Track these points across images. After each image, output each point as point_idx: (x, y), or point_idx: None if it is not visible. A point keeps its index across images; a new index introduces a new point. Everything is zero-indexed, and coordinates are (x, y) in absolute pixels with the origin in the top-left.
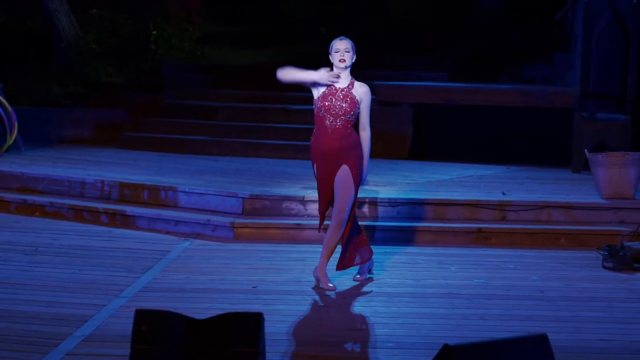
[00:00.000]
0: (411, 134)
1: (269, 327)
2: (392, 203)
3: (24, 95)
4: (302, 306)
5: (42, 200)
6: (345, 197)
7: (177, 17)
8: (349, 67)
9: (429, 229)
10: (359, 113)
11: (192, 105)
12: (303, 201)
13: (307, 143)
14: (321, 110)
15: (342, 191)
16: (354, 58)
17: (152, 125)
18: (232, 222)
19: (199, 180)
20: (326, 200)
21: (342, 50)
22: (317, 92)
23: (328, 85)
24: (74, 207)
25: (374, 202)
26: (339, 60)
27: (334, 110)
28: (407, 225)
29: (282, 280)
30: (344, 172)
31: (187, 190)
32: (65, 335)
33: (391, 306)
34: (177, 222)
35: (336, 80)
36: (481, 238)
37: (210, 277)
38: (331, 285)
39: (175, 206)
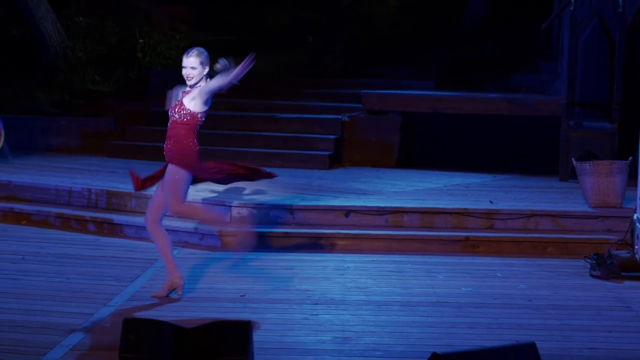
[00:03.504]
0: (398, 142)
1: (257, 336)
2: (380, 211)
3: (9, 104)
4: (290, 315)
5: (29, 209)
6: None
7: (163, 25)
8: (197, 83)
9: (416, 237)
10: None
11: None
12: (291, 210)
13: (296, 151)
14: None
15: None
16: (207, 70)
17: (139, 134)
18: (219, 231)
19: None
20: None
21: (187, 67)
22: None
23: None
24: (61, 215)
25: (361, 211)
26: (186, 78)
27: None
28: (395, 234)
29: (270, 288)
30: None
31: None
32: (53, 344)
33: (379, 315)
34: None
35: None
36: (469, 246)
37: (198, 285)
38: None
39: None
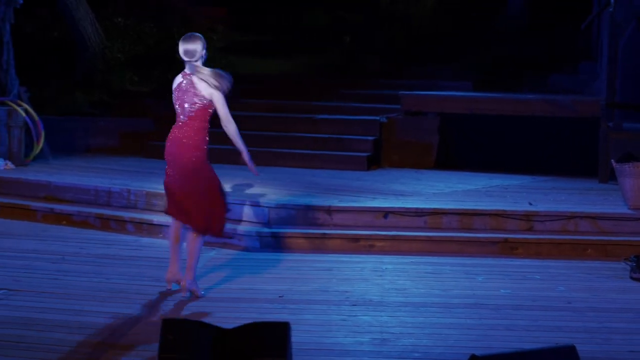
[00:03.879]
0: (437, 143)
1: (296, 337)
2: (418, 213)
3: (49, 104)
4: (328, 316)
5: (69, 209)
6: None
7: (201, 26)
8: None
9: (455, 238)
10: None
11: (218, 115)
12: (329, 211)
13: (334, 153)
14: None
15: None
16: (204, 53)
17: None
18: (258, 232)
19: (225, 190)
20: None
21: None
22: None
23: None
24: (101, 216)
25: (400, 212)
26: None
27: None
28: (433, 235)
29: (309, 289)
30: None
31: None
32: (93, 344)
33: (418, 316)
34: None
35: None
36: (507, 248)
37: (236, 286)
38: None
39: None
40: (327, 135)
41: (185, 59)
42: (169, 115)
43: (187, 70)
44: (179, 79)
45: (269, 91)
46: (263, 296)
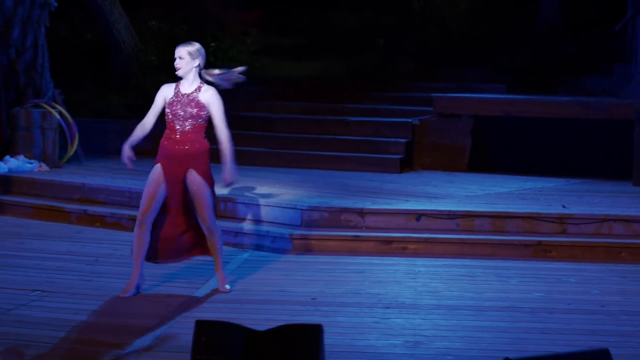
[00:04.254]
0: (470, 145)
1: (328, 339)
2: (451, 215)
3: (83, 107)
4: (361, 318)
5: (103, 211)
6: (203, 204)
7: (235, 29)
8: (186, 73)
9: (488, 241)
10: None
11: (250, 117)
12: (361, 213)
13: (367, 155)
14: (169, 116)
15: (199, 199)
16: (197, 63)
17: (209, 137)
18: (290, 234)
19: (258, 192)
20: (152, 201)
21: (176, 57)
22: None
23: (175, 93)
24: (134, 217)
25: (432, 214)
26: (175, 68)
27: (180, 115)
28: (466, 238)
29: (341, 292)
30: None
31: (246, 201)
32: (125, 346)
33: (451, 319)
34: (237, 233)
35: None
36: (541, 251)
37: (269, 288)
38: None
39: (234, 217)
40: (359, 138)
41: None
42: None
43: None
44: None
45: (302, 94)
46: (295, 298)
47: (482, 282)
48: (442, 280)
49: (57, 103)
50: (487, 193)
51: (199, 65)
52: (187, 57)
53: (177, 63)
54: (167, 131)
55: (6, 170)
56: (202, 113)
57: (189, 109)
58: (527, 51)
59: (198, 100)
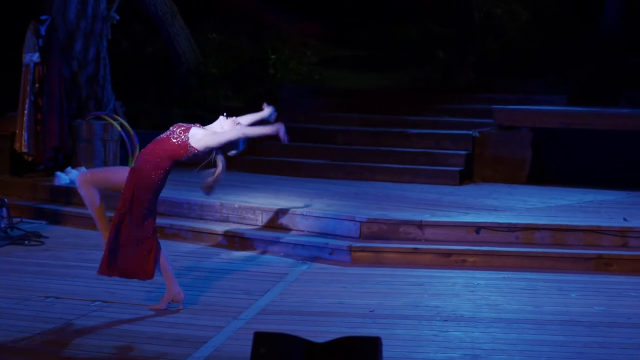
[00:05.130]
0: (530, 158)
1: (387, 352)
2: (511, 228)
3: (144, 119)
4: (419, 331)
5: (162, 222)
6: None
7: (295, 41)
8: None
9: (548, 254)
10: None
11: (310, 129)
12: (421, 225)
13: (426, 167)
14: None
15: None
16: None
17: (269, 149)
18: (349, 246)
19: (316, 204)
20: None
21: None
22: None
23: None
24: (193, 229)
25: (492, 227)
26: None
27: None
28: (526, 251)
29: (400, 304)
30: None
31: (304, 213)
32: (185, 356)
33: (510, 332)
34: (295, 245)
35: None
36: (602, 264)
37: (327, 300)
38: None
39: (293, 229)
40: (419, 150)
41: None
42: None
43: None
44: None
45: (362, 106)
46: (353, 310)
47: (542, 296)
48: (501, 293)
49: (118, 115)
50: (547, 206)
51: None
52: None
53: None
54: None
55: (67, 181)
56: None
57: None
58: (588, 62)
59: None
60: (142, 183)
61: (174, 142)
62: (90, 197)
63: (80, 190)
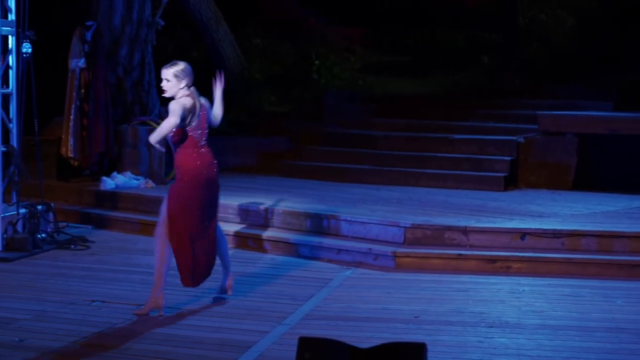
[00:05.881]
0: (575, 164)
1: (432, 358)
2: (556, 234)
3: None
4: (464, 337)
5: None
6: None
7: (339, 47)
8: (174, 95)
9: (594, 261)
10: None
11: (354, 134)
12: (465, 231)
13: (470, 173)
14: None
15: None
16: (183, 84)
17: (313, 154)
18: (393, 252)
19: (360, 209)
20: None
21: (163, 79)
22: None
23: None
24: (238, 234)
25: (537, 233)
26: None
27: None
28: (571, 257)
29: (444, 310)
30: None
31: (349, 218)
32: None
33: (555, 339)
34: (339, 250)
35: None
36: None
37: (371, 306)
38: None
39: (337, 234)
40: (462, 155)
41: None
42: (306, 135)
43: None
44: (192, 101)
45: (406, 111)
46: (398, 316)
47: (587, 302)
48: (546, 299)
49: (163, 120)
50: (592, 212)
51: (186, 85)
52: (174, 80)
53: (164, 85)
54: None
55: (113, 186)
56: None
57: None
58: (634, 68)
59: None
60: None
61: None
62: (161, 252)
63: (156, 242)
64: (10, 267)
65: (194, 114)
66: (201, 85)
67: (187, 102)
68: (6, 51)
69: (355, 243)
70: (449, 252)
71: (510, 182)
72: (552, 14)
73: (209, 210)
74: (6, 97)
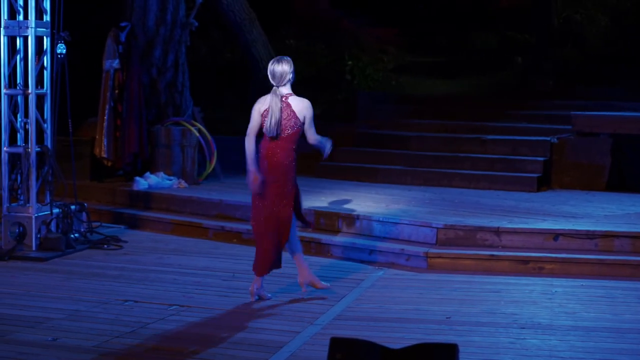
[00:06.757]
0: (609, 165)
1: (464, 359)
2: (590, 235)
3: (223, 125)
4: (496, 338)
5: (240, 227)
6: None
7: (372, 47)
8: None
9: (627, 262)
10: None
11: (386, 135)
12: (497, 232)
13: (503, 173)
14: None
15: None
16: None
17: (346, 155)
18: (425, 252)
19: (392, 210)
20: None
21: (290, 74)
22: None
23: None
24: None
25: (570, 234)
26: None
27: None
28: (605, 258)
29: (476, 311)
30: None
31: (381, 219)
32: None
33: (588, 341)
34: (371, 251)
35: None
36: None
37: (403, 306)
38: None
39: (369, 235)
40: (495, 156)
41: (274, 82)
42: (338, 136)
43: (283, 92)
44: (267, 99)
45: (439, 111)
46: (430, 317)
47: (621, 304)
48: (579, 301)
49: (196, 121)
50: (626, 213)
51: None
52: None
53: (291, 80)
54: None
55: (146, 186)
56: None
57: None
58: None
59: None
60: None
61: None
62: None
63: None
64: (44, 267)
65: None
66: (233, 87)
67: None
68: (41, 52)
69: (387, 244)
70: (481, 252)
71: (543, 183)
72: (587, 15)
73: None
74: (41, 98)
